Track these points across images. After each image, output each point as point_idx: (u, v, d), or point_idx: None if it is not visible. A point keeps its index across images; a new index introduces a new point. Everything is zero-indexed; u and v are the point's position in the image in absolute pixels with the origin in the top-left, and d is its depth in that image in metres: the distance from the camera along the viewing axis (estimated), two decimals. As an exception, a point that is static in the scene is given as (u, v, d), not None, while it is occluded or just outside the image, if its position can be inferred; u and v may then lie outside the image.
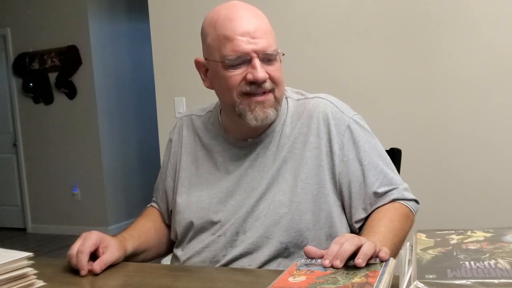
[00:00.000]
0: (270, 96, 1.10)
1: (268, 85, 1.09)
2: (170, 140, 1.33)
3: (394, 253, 0.99)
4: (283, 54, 1.16)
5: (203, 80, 1.19)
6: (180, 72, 3.06)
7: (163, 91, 3.16)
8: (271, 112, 1.10)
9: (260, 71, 1.06)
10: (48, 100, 5.26)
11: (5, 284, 0.87)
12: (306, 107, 1.17)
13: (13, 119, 5.50)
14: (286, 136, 1.15)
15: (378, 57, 2.62)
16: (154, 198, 1.38)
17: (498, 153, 2.41)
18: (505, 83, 2.39)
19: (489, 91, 2.42)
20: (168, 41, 3.11)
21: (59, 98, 5.21)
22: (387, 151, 1.34)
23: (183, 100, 3.08)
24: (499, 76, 2.40)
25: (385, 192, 1.12)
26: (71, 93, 5.14)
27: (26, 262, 0.91)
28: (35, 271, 0.93)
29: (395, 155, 1.35)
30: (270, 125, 1.16)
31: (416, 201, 1.16)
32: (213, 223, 1.16)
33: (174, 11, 3.08)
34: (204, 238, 1.16)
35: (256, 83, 1.07)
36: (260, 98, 1.09)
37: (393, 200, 1.12)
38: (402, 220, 1.09)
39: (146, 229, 1.27)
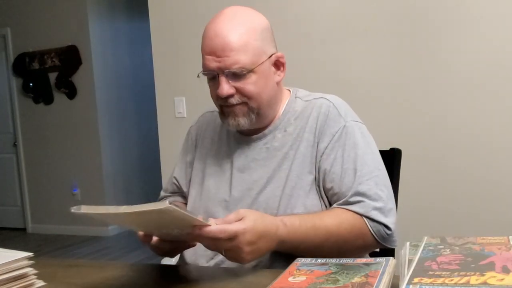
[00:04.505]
0: (240, 107, 1.15)
1: (235, 100, 1.14)
2: (189, 133, 1.38)
3: (319, 253, 0.99)
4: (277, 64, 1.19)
5: None
6: (180, 72, 3.06)
7: (163, 91, 3.16)
8: (241, 121, 1.16)
9: (223, 87, 1.12)
10: (48, 100, 5.26)
11: (5, 284, 0.87)
12: (311, 107, 1.21)
13: (13, 119, 5.50)
14: (289, 133, 1.20)
15: (377, 57, 2.62)
16: (167, 194, 1.41)
17: (499, 152, 2.41)
18: (506, 82, 2.39)
19: (489, 91, 2.41)
20: (168, 41, 3.11)
21: (59, 98, 5.21)
22: (387, 151, 1.34)
23: (183, 100, 3.08)
24: (499, 75, 2.39)
25: (353, 203, 1.10)
26: (71, 93, 5.14)
27: (26, 262, 0.91)
28: (35, 271, 0.93)
29: (395, 155, 1.35)
30: (271, 122, 1.22)
31: (386, 226, 1.08)
32: (216, 213, 1.19)
33: (174, 11, 3.08)
34: None
35: (223, 98, 1.14)
36: (229, 109, 1.16)
37: (356, 213, 1.09)
38: (351, 231, 1.07)
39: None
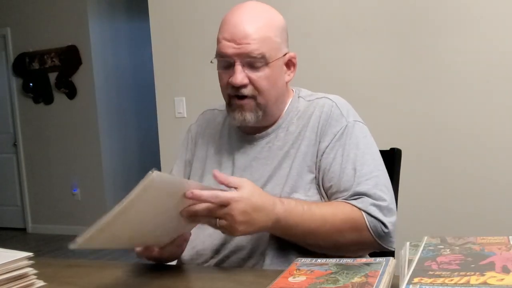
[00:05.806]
0: (249, 101, 1.15)
1: (247, 91, 1.14)
2: (189, 131, 1.38)
3: (313, 240, 1.06)
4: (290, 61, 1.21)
5: None
6: (180, 72, 3.06)
7: (163, 91, 3.16)
8: (248, 116, 1.15)
9: (238, 76, 1.11)
10: (48, 100, 5.26)
11: (5, 284, 0.87)
12: (314, 106, 1.21)
13: (13, 119, 5.49)
14: (291, 132, 1.20)
15: (377, 57, 2.62)
16: None
17: (499, 152, 2.41)
18: (506, 82, 2.39)
19: (489, 91, 2.41)
20: (168, 41, 3.11)
21: (59, 98, 5.21)
22: (387, 151, 1.34)
23: (183, 100, 3.08)
24: (499, 75, 2.39)
25: (352, 198, 1.10)
26: (71, 93, 5.15)
27: (26, 262, 0.91)
28: (35, 271, 0.93)
29: (395, 155, 1.35)
30: (275, 121, 1.22)
31: (383, 223, 1.07)
32: None
33: (174, 11, 3.08)
34: (208, 227, 1.18)
35: (235, 87, 1.13)
36: (238, 102, 1.15)
37: (355, 207, 1.09)
38: (346, 222, 1.06)
39: None
